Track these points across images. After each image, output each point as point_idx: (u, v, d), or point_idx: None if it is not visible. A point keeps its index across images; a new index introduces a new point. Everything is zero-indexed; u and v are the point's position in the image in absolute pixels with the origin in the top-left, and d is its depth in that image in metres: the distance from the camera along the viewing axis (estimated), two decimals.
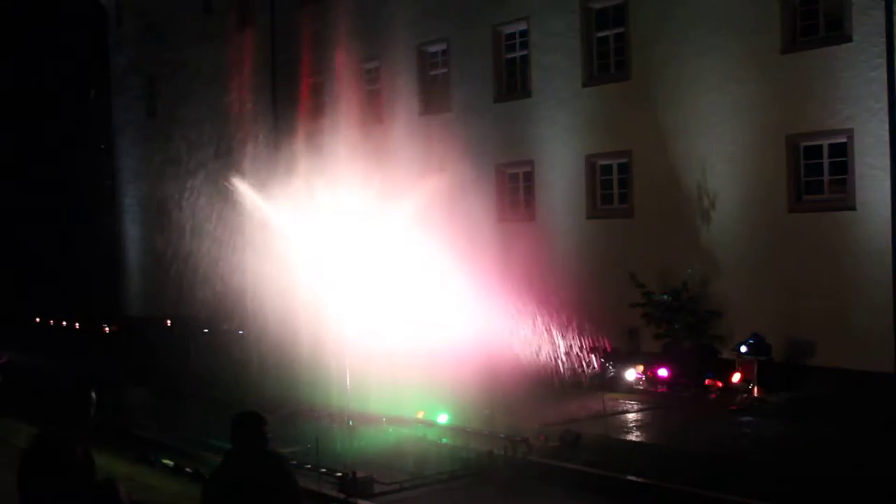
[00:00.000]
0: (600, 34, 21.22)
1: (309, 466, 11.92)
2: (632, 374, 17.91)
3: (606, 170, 21.26)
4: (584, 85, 21.35)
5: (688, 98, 19.17)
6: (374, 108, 26.03)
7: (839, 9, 17.17)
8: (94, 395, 6.26)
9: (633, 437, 14.35)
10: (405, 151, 24.05)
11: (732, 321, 18.02)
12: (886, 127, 16.26)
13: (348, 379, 14.13)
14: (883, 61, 16.26)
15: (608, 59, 21.16)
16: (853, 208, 16.86)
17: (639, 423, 15.27)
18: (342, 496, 11.33)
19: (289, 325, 15.27)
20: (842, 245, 16.99)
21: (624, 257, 19.92)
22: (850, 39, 16.80)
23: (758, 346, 16.67)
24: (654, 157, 19.82)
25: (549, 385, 16.33)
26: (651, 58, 19.94)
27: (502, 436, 13.43)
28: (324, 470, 11.80)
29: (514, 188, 23.39)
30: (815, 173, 17.68)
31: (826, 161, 17.49)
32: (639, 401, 16.74)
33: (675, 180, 19.36)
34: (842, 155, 17.13)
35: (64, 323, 34.57)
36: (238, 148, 26.71)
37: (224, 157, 27.82)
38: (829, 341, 16.93)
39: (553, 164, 22.05)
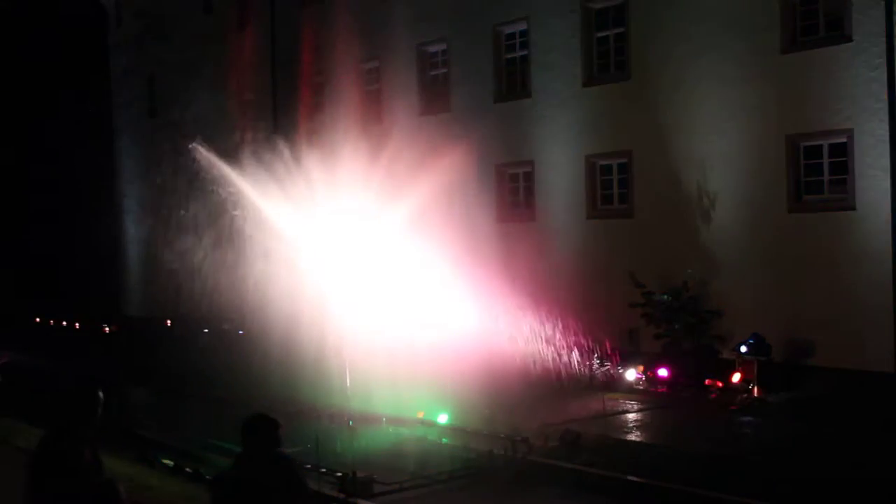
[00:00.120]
0: (600, 34, 21.22)
1: (309, 466, 11.88)
2: (632, 374, 17.91)
3: (606, 170, 21.25)
4: (585, 85, 21.35)
5: (688, 98, 19.16)
6: (373, 108, 26.00)
7: (839, 9, 17.17)
8: (101, 394, 6.22)
9: (633, 437, 14.35)
10: (405, 151, 23.99)
11: (732, 321, 18.02)
12: (886, 127, 16.26)
13: (348, 378, 14.13)
14: (883, 61, 16.25)
15: (608, 59, 21.15)
16: (853, 208, 16.86)
17: (639, 423, 15.27)
18: (342, 496, 11.34)
19: (289, 325, 15.26)
20: (842, 245, 16.98)
21: (624, 257, 19.91)
22: (850, 39, 16.80)
23: (758, 346, 16.66)
24: (654, 158, 19.82)
25: (548, 385, 16.33)
26: (651, 58, 19.93)
27: (502, 436, 13.43)
28: (324, 470, 11.79)
29: (514, 188, 23.39)
30: (815, 173, 17.68)
31: (826, 161, 17.49)
32: (639, 401, 16.73)
33: (675, 180, 19.35)
34: (842, 155, 17.12)
35: (64, 323, 34.60)
36: (238, 148, 26.66)
37: (224, 157, 27.76)
38: (829, 341, 16.92)
39: (553, 164, 22.05)
